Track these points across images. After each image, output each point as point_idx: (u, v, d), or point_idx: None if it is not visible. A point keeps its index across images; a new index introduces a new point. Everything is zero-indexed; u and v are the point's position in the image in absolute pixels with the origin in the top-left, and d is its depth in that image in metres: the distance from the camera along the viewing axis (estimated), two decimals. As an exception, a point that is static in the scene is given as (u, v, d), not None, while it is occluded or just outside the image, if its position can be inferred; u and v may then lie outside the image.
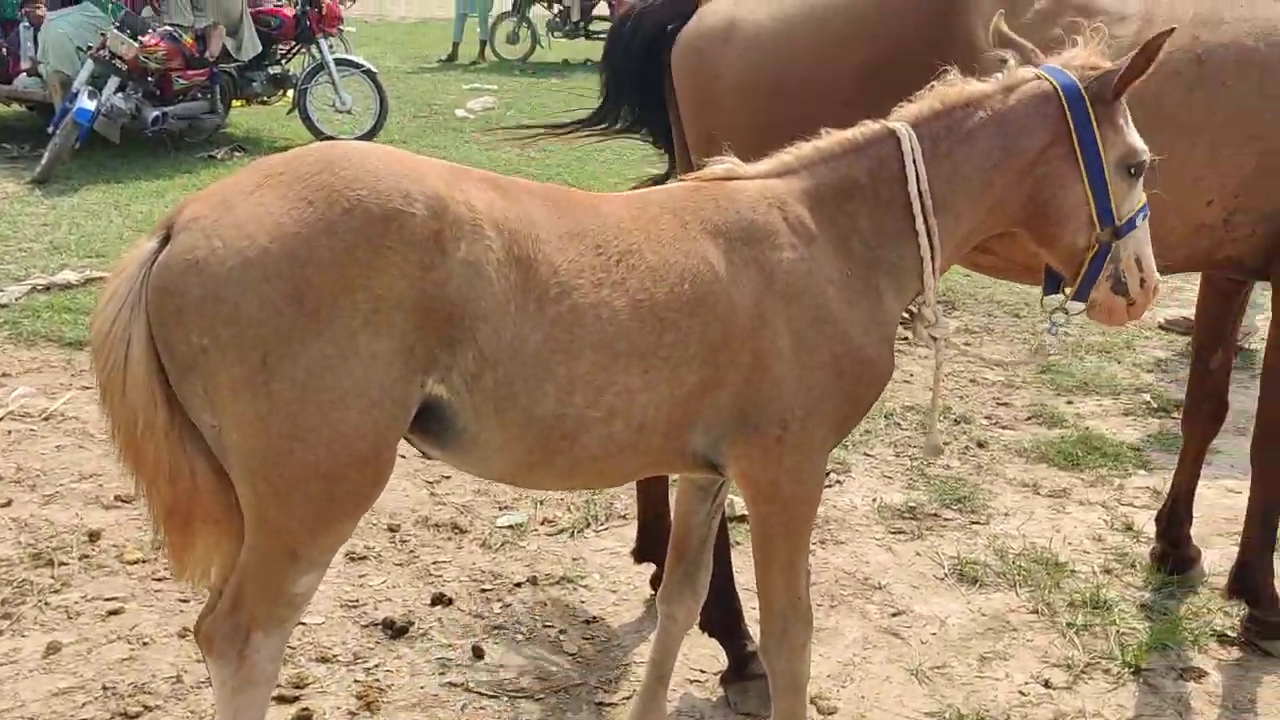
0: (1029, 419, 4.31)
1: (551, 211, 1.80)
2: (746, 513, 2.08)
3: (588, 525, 3.44)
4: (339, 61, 9.42)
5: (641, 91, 2.51)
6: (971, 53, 2.20)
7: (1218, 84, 2.42)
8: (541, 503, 3.55)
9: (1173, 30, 1.91)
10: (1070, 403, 4.46)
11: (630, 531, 3.23)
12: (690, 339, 1.80)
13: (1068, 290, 2.02)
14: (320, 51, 9.29)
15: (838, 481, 3.77)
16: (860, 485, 3.75)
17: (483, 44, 15.51)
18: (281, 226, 1.60)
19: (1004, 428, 4.23)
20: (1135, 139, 1.94)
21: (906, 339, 5.04)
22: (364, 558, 3.22)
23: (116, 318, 1.65)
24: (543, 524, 3.44)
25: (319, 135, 9.18)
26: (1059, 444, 4.03)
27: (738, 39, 2.38)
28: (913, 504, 3.61)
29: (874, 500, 3.64)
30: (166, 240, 1.66)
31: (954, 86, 1.96)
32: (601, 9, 16.29)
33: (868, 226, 1.93)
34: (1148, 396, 4.47)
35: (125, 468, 1.76)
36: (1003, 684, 2.75)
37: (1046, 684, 2.75)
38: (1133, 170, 1.94)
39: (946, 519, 3.54)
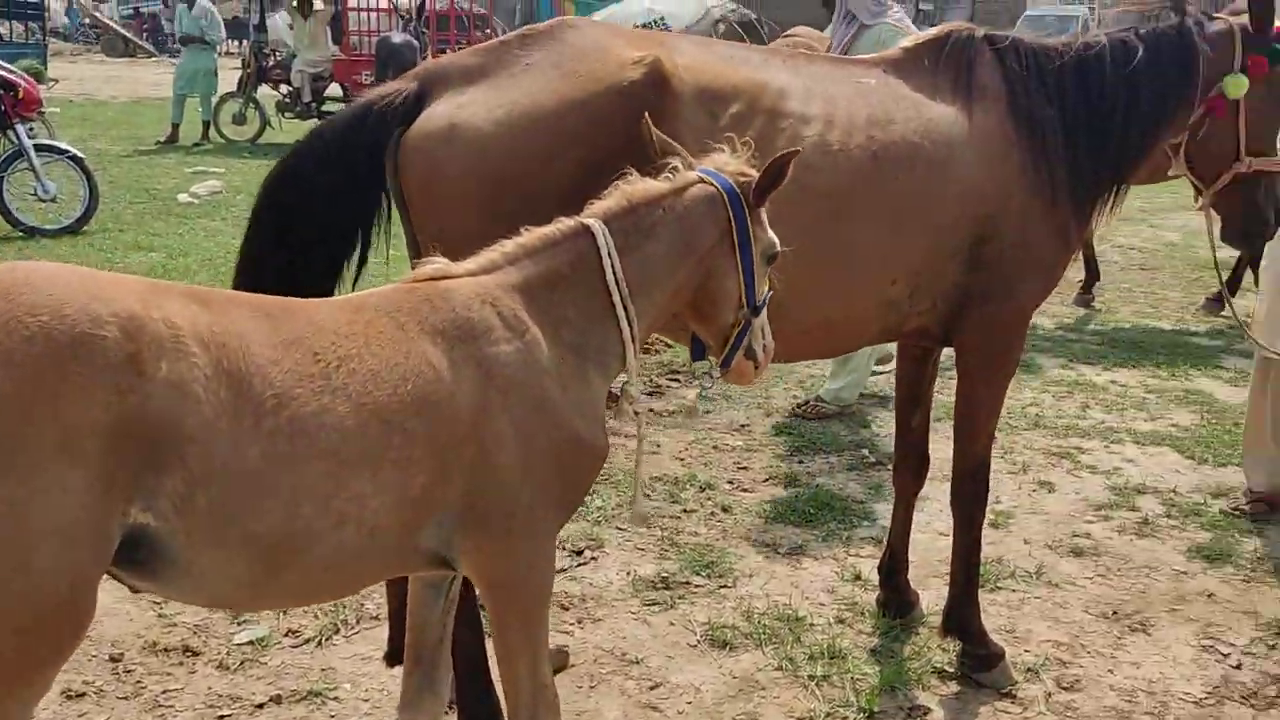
0: (766, 480, 4.56)
1: (262, 322, 1.77)
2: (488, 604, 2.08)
3: (336, 631, 3.31)
4: (39, 147, 8.79)
5: (353, 193, 2.50)
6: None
7: (891, 177, 2.71)
8: (285, 612, 3.40)
9: (797, 151, 2.15)
10: (801, 462, 4.75)
11: (383, 633, 3.15)
12: (417, 439, 1.82)
13: (714, 359, 2.27)
14: (17, 137, 8.63)
15: (592, 558, 3.84)
16: (614, 559, 3.83)
17: (206, 125, 14.89)
18: None
19: (745, 491, 4.45)
20: (772, 234, 2.20)
21: (639, 413, 5.25)
22: (82, 694, 2.95)
23: None
24: (287, 635, 3.29)
25: (19, 226, 8.51)
26: (794, 503, 4.29)
27: (459, 141, 2.43)
28: (665, 574, 3.72)
29: (628, 573, 3.72)
30: None
31: (637, 185, 2.12)
32: (334, 90, 16.07)
33: (574, 315, 2.03)
34: (865, 451, 4.84)
35: None
36: (754, 744, 2.87)
37: (793, 738, 2.90)
38: (771, 260, 2.21)
39: (697, 585, 3.67)
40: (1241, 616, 3.60)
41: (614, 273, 2.04)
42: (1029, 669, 3.24)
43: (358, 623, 3.37)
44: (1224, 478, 4.66)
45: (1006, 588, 3.74)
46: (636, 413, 2.19)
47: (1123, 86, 3.03)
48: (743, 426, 5.15)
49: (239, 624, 3.32)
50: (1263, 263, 4.25)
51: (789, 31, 8.46)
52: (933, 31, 3.03)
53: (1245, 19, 3.14)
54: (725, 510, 4.24)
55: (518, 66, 2.48)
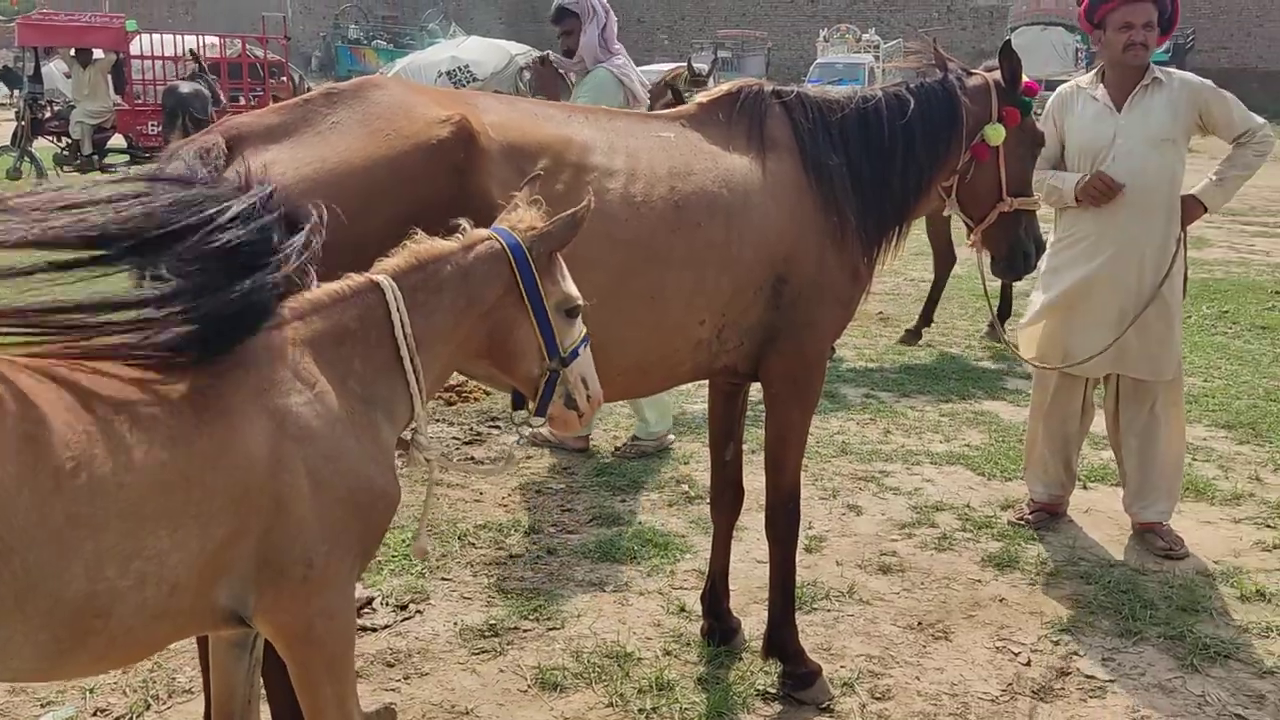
0: (590, 521, 4.63)
1: (51, 386, 1.73)
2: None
3: (148, 707, 3.16)
4: None
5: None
6: (488, 208, 2.43)
7: (694, 225, 2.87)
8: (92, 690, 3.21)
9: (589, 205, 2.27)
10: (624, 500, 4.86)
11: (196, 706, 3.03)
12: (215, 492, 1.81)
13: (531, 406, 2.34)
14: None
15: (418, 611, 3.80)
16: (440, 611, 3.81)
17: (-25, 180, 13.92)
18: None
19: (569, 533, 4.51)
20: (570, 287, 2.28)
21: (474, 459, 5.23)
22: None
23: None
24: (95, 715, 3.12)
25: None
26: (618, 541, 4.37)
27: (265, 199, 2.42)
28: (492, 621, 3.73)
29: (455, 624, 3.71)
30: None
31: (424, 245, 2.19)
32: (117, 141, 15.33)
33: (361, 367, 2.07)
34: (685, 487, 4.99)
35: None
36: (589, 781, 2.92)
37: (627, 771, 2.96)
38: (569, 312, 2.27)
39: (525, 631, 3.70)
40: (1029, 617, 3.91)
41: (401, 327, 2.09)
42: (844, 683, 3.43)
43: (169, 697, 3.22)
44: (1010, 491, 5.05)
45: (821, 608, 3.93)
46: (427, 459, 2.24)
47: (900, 135, 3.30)
48: (565, 469, 5.21)
49: (43, 706, 3.12)
50: (1037, 283, 4.66)
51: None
52: (725, 87, 3.22)
53: (998, 74, 3.49)
54: (551, 553, 4.28)
55: (324, 124, 2.50)
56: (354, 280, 2.13)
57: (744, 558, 4.15)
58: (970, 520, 4.71)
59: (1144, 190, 4.25)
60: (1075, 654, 3.68)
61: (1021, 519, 4.67)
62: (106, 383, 1.79)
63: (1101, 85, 4.39)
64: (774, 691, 3.36)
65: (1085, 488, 5.08)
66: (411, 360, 2.11)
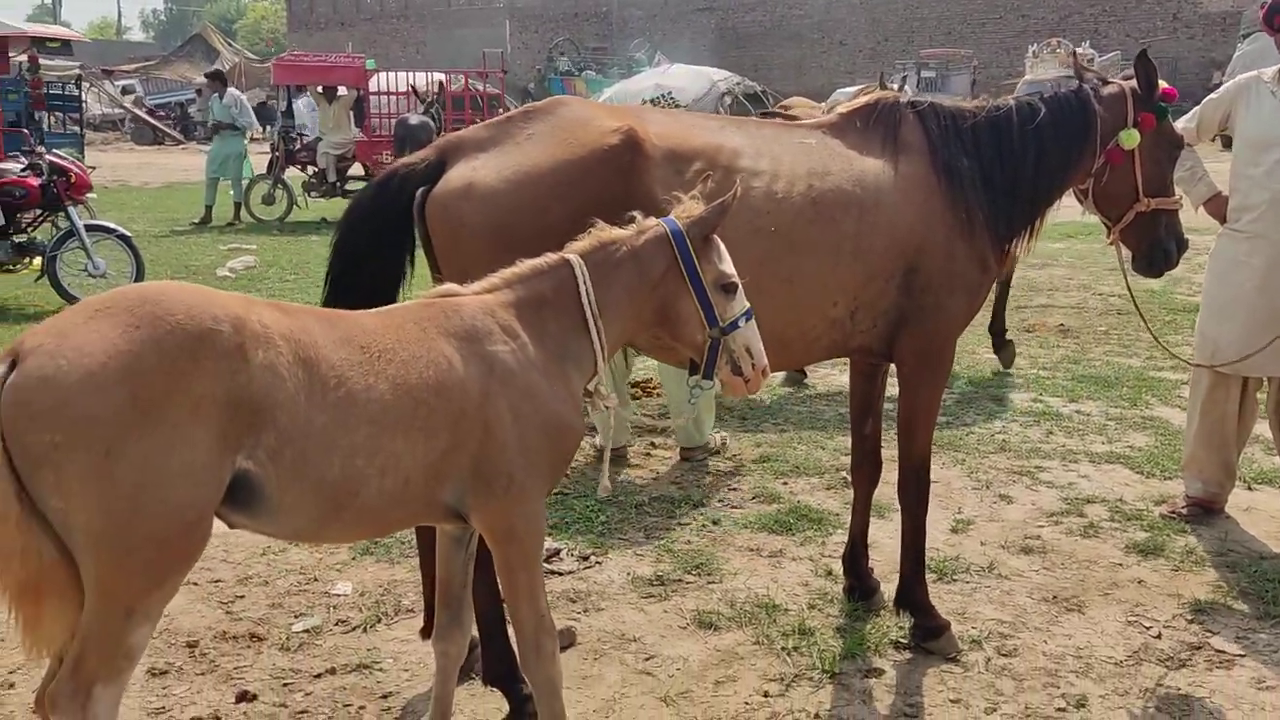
0: (753, 499, 5.09)
1: (325, 324, 2.38)
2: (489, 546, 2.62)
3: (378, 621, 3.86)
4: (90, 227, 9.53)
5: (395, 238, 3.13)
6: (649, 203, 2.97)
7: (829, 219, 3.32)
8: (335, 607, 3.95)
9: (735, 195, 2.71)
10: (785, 484, 5.29)
11: (417, 621, 3.69)
12: (437, 413, 2.40)
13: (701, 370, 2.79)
14: (70, 218, 9.38)
15: (597, 562, 4.37)
16: (616, 564, 4.37)
17: (237, 206, 15.74)
18: (116, 346, 2.07)
19: (733, 507, 4.99)
20: (726, 267, 2.72)
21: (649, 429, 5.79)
22: (165, 672, 3.50)
23: None
24: (337, 625, 3.84)
25: (72, 300, 9.18)
26: (776, 515, 4.82)
27: (476, 195, 3.05)
28: (660, 573, 4.26)
29: (628, 574, 4.26)
30: (12, 366, 2.08)
31: (604, 231, 2.72)
32: (356, 169, 16.93)
33: (555, 328, 2.62)
34: (845, 474, 5.35)
35: None
36: (732, 698, 3.38)
37: (765, 694, 3.40)
38: (725, 288, 2.70)
39: (688, 582, 4.20)
40: (1166, 598, 4.09)
41: (587, 296, 2.63)
42: (973, 640, 3.75)
43: (395, 614, 3.91)
44: (1168, 489, 5.16)
45: (961, 580, 4.25)
46: (607, 407, 2.76)
47: (1030, 140, 3.63)
48: (733, 456, 5.69)
49: (295, 616, 3.87)
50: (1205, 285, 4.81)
51: (785, 101, 9.16)
52: (862, 99, 3.66)
53: (1135, 83, 3.76)
54: (715, 523, 4.78)
55: (521, 136, 3.12)
56: (550, 258, 2.69)
57: (892, 534, 4.49)
58: (1120, 512, 4.88)
59: None
60: (1209, 632, 3.84)
61: (1174, 512, 4.79)
62: (360, 326, 2.43)
63: None
64: (905, 642, 3.72)
65: (1250, 488, 5.13)
66: (595, 323, 2.65)
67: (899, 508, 3.82)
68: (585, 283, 2.64)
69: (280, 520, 2.31)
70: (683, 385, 5.47)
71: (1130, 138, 3.70)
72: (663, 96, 18.82)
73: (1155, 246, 3.87)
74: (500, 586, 2.65)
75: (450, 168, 3.11)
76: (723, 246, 2.76)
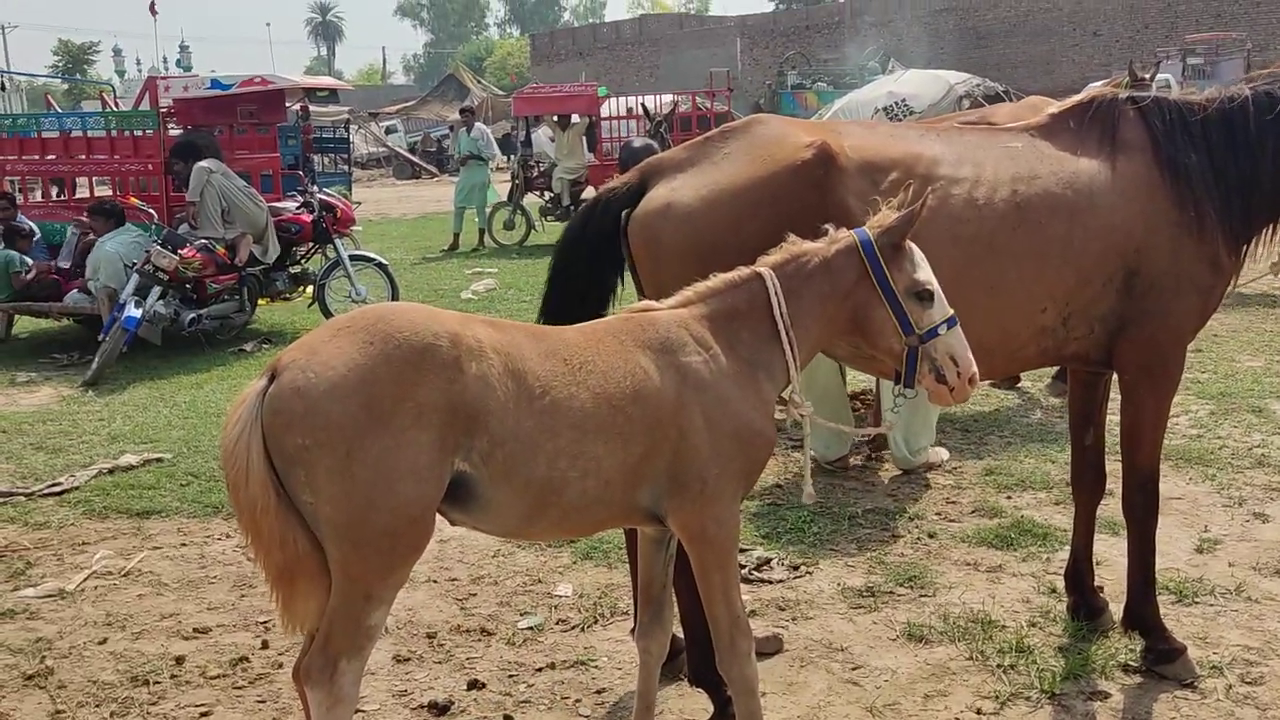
0: (973, 513, 4.95)
1: (531, 338, 2.57)
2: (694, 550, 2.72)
3: (595, 621, 4.05)
4: (353, 257, 10.44)
5: (602, 258, 3.31)
6: (845, 215, 3.00)
7: (1035, 223, 3.22)
8: (556, 607, 4.18)
9: (924, 202, 2.67)
10: (1009, 498, 5.11)
11: (630, 623, 3.84)
12: (635, 420, 2.54)
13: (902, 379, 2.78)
14: (336, 250, 10.32)
15: (807, 573, 4.40)
16: (826, 574, 4.38)
17: (481, 232, 16.72)
18: (354, 360, 2.34)
19: (951, 521, 4.87)
20: (921, 274, 2.69)
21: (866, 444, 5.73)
22: (408, 659, 3.82)
23: (240, 434, 2.36)
24: (558, 624, 4.06)
25: (338, 324, 10.07)
26: (997, 530, 4.67)
27: (674, 215, 3.19)
28: (871, 585, 4.23)
29: (838, 585, 4.26)
30: (272, 379, 2.39)
31: (796, 244, 2.76)
32: (590, 193, 17.61)
33: (748, 339, 2.70)
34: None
35: (248, 541, 2.45)
36: (942, 713, 3.33)
37: (978, 711, 3.32)
38: (920, 295, 2.68)
39: (900, 594, 4.15)
40: None
41: (779, 308, 2.69)
42: (1214, 666, 3.51)
43: (611, 616, 4.09)
44: None
45: (1204, 602, 3.97)
46: (802, 415, 2.80)
47: (1269, 131, 3.38)
48: (954, 470, 5.55)
49: (522, 614, 4.13)
50: None
51: (1028, 100, 8.81)
52: (1078, 97, 3.52)
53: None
54: (931, 536, 4.68)
55: (718, 155, 3.23)
56: (743, 271, 2.79)
57: (1124, 552, 4.25)
58: (1399, 534, 4.40)
59: None
60: None
61: None
62: (563, 340, 2.61)
63: None
64: (1135, 665, 3.53)
65: None
66: (787, 333, 2.71)
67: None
68: (777, 294, 2.71)
69: (493, 517, 2.51)
70: (888, 394, 5.41)
71: None
72: (896, 104, 18.42)
73: None
74: (699, 586, 2.75)
75: (651, 189, 3.26)
76: (918, 254, 2.75)
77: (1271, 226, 3.50)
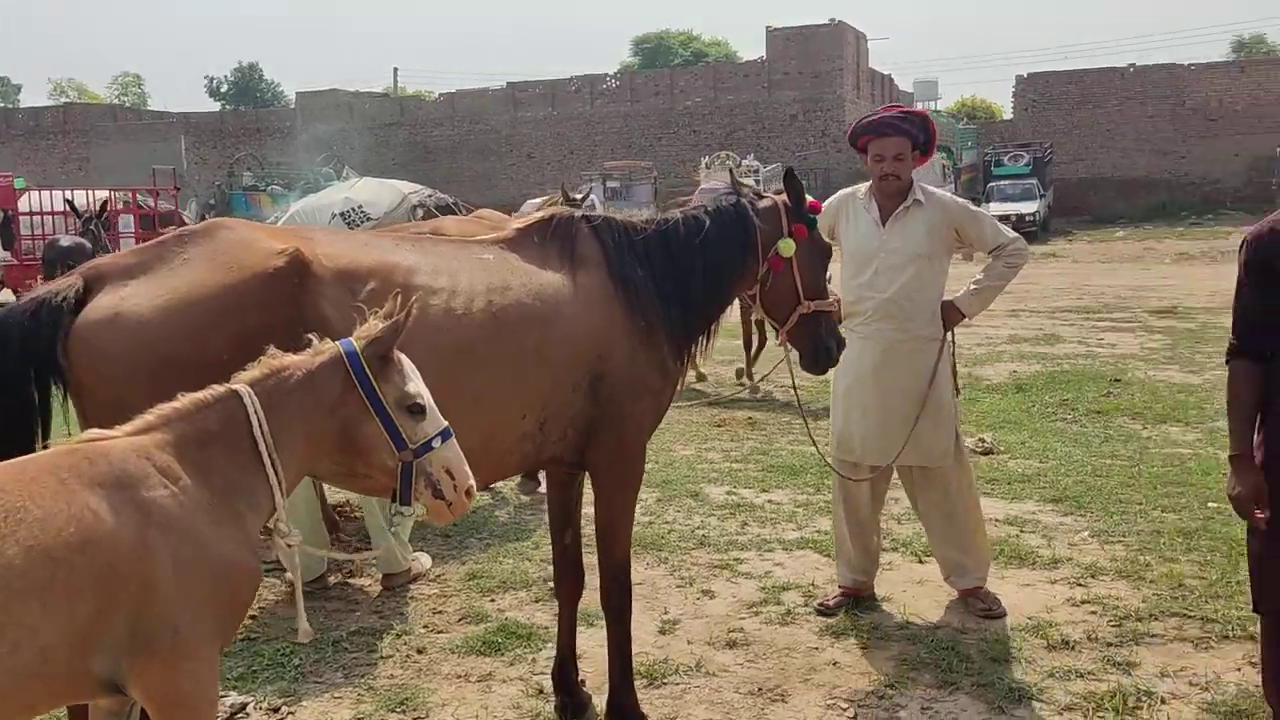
0: (460, 620, 4.91)
1: None
2: None
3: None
4: None
5: (33, 378, 2.79)
6: (322, 326, 2.83)
7: (511, 332, 3.31)
8: None
9: (410, 313, 2.62)
10: (493, 600, 5.15)
11: None
12: (82, 573, 2.13)
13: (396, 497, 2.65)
14: None
15: (290, 713, 4.02)
16: (310, 711, 4.03)
17: None
18: None
19: (439, 632, 4.78)
20: (411, 386, 2.61)
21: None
22: None
23: None
24: None
25: None
26: (484, 636, 4.66)
27: (124, 325, 2.79)
28: (360, 715, 3.97)
29: (324, 722, 3.94)
30: None
31: (276, 358, 2.56)
32: (7, 296, 15.29)
33: (224, 465, 2.41)
34: (552, 585, 5.30)
35: None
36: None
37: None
38: (411, 409, 2.60)
39: (390, 723, 3.94)
40: (859, 677, 4.30)
41: (260, 428, 2.44)
42: (686, 744, 3.75)
43: None
44: (852, 568, 5.48)
45: (671, 681, 4.26)
46: (289, 545, 2.56)
47: (698, 252, 3.82)
48: (438, 578, 5.49)
49: None
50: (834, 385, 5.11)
51: (478, 213, 9.23)
52: (538, 215, 3.73)
53: (786, 197, 4.06)
54: (420, 651, 4.55)
55: (176, 261, 2.90)
56: (216, 390, 2.48)
57: (602, 642, 4.46)
58: (813, 596, 5.12)
59: (903, 300, 4.70)
60: (899, 706, 4.06)
61: (823, 605, 4.93)
62: None
63: (873, 200, 4.84)
64: (622, 756, 3.66)
65: (921, 562, 5.55)
66: (270, 456, 2.45)
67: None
68: (257, 413, 2.46)
69: None
70: (382, 511, 5.24)
71: (787, 246, 3.97)
72: (353, 210, 18.54)
73: (819, 345, 4.13)
74: None
75: (94, 297, 2.83)
76: (408, 365, 2.67)
77: (705, 332, 3.95)
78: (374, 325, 2.63)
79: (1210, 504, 6.30)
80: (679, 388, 3.86)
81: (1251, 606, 3.54)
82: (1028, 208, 32.93)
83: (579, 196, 10.93)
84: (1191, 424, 8.48)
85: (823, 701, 4.10)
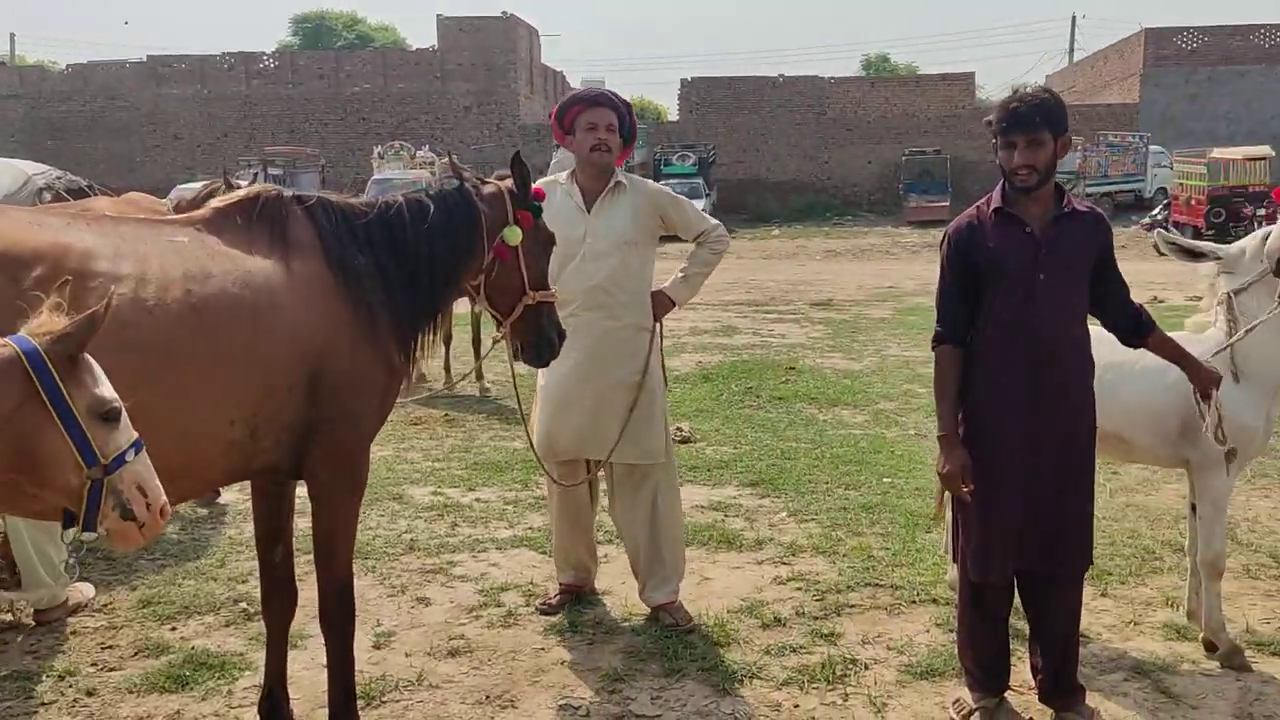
0: (135, 655, 4.30)
1: None
2: None
3: None
4: None
5: None
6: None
7: (215, 327, 2.88)
8: None
9: (109, 304, 2.23)
10: (174, 629, 4.56)
11: None
12: None
13: (79, 520, 2.22)
14: None
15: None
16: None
17: None
18: None
19: (112, 670, 4.15)
20: (104, 391, 2.23)
21: None
22: None
23: None
24: None
25: None
26: (168, 670, 4.10)
27: None
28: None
29: (-28, 794, 3.29)
30: None
31: None
32: None
33: None
34: (244, 604, 4.79)
35: None
36: None
37: None
38: (105, 416, 2.21)
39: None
40: (588, 673, 4.20)
41: None
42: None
43: None
44: (568, 563, 5.39)
45: (391, 699, 3.96)
46: None
47: (423, 238, 3.54)
48: (106, 606, 4.80)
49: None
50: None
51: (126, 196, 8.25)
52: (242, 192, 3.29)
53: (510, 183, 3.86)
54: (90, 694, 3.93)
55: None
56: None
57: (309, 665, 4.08)
58: (533, 595, 4.97)
59: (611, 288, 4.55)
60: (629, 698, 4.00)
61: (545, 604, 4.80)
62: None
63: (575, 185, 4.65)
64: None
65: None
66: None
67: (317, 634, 3.44)
68: None
69: None
70: (48, 541, 4.51)
71: (513, 234, 3.78)
72: (-31, 190, 16.22)
73: (541, 337, 3.95)
74: None
75: None
76: (97, 367, 2.25)
77: (430, 324, 3.67)
78: (55, 320, 2.17)
79: (885, 479, 6.83)
80: (407, 386, 3.57)
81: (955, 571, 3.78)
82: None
83: (245, 183, 10.04)
84: (859, 407, 9.19)
85: (553, 703, 3.97)
